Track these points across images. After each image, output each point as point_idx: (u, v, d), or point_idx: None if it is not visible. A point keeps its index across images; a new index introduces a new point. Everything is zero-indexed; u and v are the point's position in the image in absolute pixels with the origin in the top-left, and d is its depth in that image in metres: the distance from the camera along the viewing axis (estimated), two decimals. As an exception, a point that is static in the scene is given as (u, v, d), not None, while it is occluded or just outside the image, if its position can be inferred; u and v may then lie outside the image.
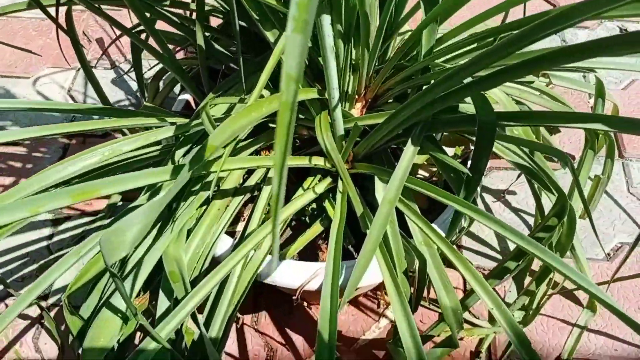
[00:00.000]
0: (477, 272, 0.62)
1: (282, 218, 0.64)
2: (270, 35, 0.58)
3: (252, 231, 0.64)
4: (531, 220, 1.04)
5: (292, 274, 0.67)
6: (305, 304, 0.97)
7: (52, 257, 1.06)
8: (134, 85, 1.26)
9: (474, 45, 0.58)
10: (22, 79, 1.31)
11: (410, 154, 0.60)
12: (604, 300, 0.51)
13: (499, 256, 0.99)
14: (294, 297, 0.70)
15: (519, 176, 1.08)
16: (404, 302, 0.56)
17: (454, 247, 0.62)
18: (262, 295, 0.98)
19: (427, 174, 0.77)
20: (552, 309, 0.94)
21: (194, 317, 0.59)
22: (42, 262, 1.06)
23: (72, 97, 1.26)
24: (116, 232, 0.37)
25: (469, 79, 0.54)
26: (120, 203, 1.07)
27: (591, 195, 0.95)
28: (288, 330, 0.95)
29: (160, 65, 0.83)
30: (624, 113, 1.18)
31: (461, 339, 0.93)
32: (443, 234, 0.63)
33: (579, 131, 1.16)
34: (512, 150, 0.69)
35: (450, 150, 0.75)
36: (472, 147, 0.73)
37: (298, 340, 0.94)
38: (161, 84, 0.94)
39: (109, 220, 0.66)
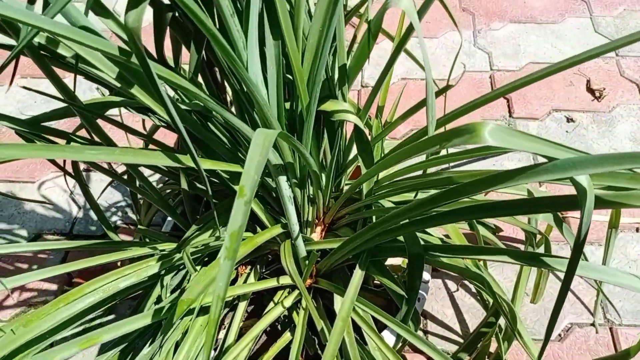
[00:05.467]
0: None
1: (254, 334, 0.75)
2: (237, 188, 0.71)
3: (229, 346, 0.75)
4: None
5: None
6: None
7: None
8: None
9: (405, 190, 0.71)
10: (28, 184, 1.44)
11: (358, 278, 0.72)
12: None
13: (461, 340, 1.10)
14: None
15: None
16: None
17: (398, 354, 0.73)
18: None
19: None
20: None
21: None
22: None
23: (73, 200, 1.39)
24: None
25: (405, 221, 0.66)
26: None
27: (537, 282, 1.07)
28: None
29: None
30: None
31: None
32: (391, 343, 0.74)
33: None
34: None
35: (399, 260, 0.87)
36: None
37: None
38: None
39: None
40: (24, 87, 0.58)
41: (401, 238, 0.74)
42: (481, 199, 0.83)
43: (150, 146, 1.00)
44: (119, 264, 1.02)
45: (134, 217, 1.35)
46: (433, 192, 0.73)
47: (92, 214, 1.37)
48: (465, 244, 0.72)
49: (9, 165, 1.49)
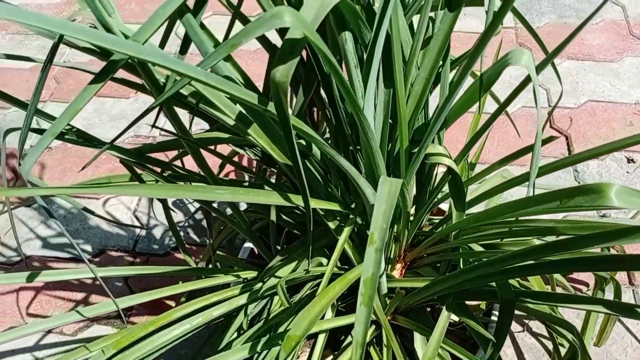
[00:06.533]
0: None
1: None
2: (331, 224, 0.73)
3: (311, 377, 0.77)
4: (549, 344, 1.14)
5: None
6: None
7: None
8: (192, 206, 1.43)
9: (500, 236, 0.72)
10: (93, 200, 1.49)
11: (444, 320, 0.73)
12: None
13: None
14: None
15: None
16: None
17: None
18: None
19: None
20: None
21: None
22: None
23: (136, 218, 1.43)
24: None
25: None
26: None
27: (603, 327, 1.06)
28: None
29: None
30: None
31: None
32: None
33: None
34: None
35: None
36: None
37: None
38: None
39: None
40: (157, 127, 0.61)
41: (492, 282, 0.75)
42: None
43: (228, 172, 1.02)
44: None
45: (195, 237, 1.38)
46: (526, 238, 0.74)
47: (154, 232, 1.40)
48: (564, 293, 0.73)
49: (74, 181, 1.54)
